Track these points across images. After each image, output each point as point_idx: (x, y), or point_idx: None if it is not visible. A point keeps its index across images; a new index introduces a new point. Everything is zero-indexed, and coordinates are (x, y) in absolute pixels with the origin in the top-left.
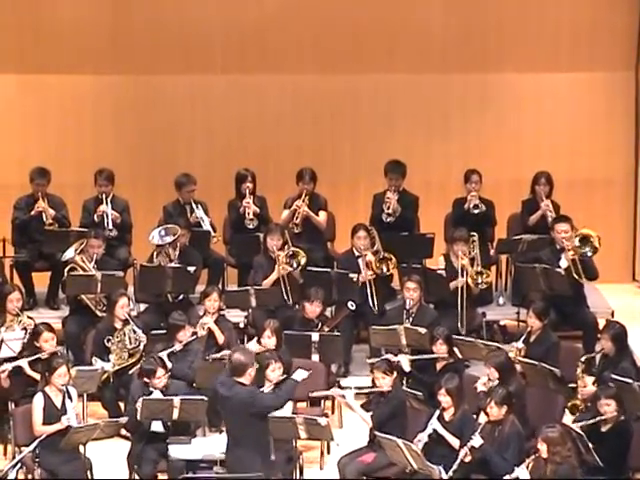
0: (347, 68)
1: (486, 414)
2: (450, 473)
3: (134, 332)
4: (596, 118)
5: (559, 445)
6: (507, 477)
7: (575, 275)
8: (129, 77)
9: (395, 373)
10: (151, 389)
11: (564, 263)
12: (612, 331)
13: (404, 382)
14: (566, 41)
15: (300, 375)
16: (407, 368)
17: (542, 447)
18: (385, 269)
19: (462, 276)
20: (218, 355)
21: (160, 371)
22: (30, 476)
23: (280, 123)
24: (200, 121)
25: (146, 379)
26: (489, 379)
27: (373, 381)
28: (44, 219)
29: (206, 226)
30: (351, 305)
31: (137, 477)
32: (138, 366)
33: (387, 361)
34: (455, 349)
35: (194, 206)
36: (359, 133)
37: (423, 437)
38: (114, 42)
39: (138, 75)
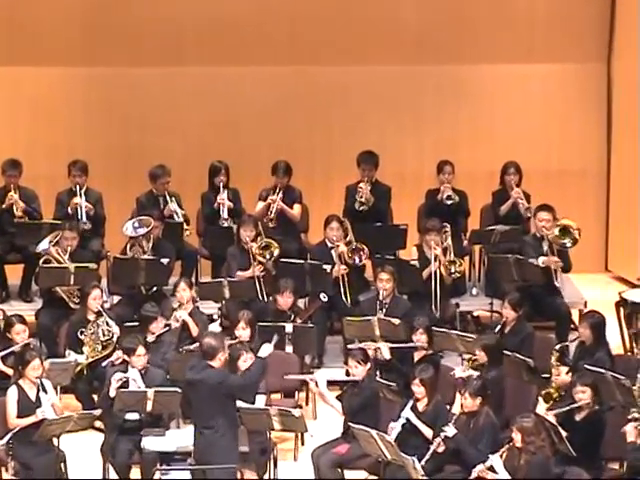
0: (321, 60)
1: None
2: (423, 463)
3: (107, 324)
4: (569, 109)
5: (533, 435)
6: (481, 465)
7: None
8: (103, 69)
9: (369, 364)
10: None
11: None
12: (591, 320)
13: (378, 373)
14: (539, 33)
15: (265, 351)
16: (387, 355)
17: (516, 436)
18: (358, 259)
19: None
20: (191, 347)
21: (141, 349)
22: (4, 469)
23: (255, 115)
24: (174, 113)
25: (126, 357)
26: (471, 359)
27: (347, 372)
28: (14, 212)
29: (179, 219)
30: (323, 297)
31: (111, 468)
32: (111, 358)
33: (363, 351)
34: None
35: (168, 198)
36: (333, 125)
37: (396, 426)
38: (88, 34)
39: (112, 67)
